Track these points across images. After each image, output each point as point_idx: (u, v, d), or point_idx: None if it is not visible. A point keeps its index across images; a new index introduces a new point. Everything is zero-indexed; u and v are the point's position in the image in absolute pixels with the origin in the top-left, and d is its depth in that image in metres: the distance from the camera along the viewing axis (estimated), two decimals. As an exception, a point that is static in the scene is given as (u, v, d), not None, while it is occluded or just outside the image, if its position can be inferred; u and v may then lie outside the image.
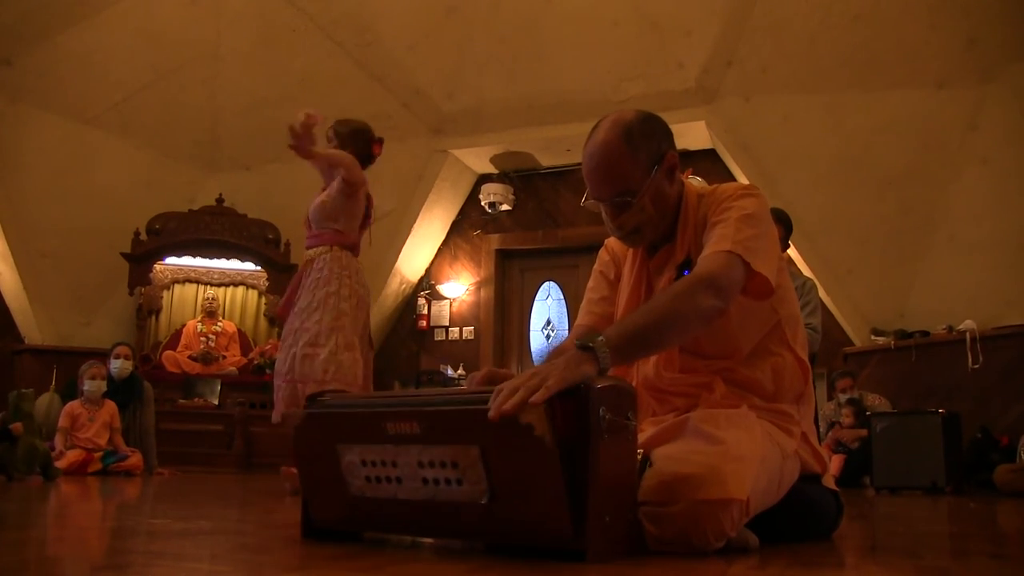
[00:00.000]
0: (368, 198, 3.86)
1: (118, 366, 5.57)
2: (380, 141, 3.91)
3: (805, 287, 3.97)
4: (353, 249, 3.76)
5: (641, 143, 1.66)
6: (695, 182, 1.97)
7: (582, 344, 1.39)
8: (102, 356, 5.72)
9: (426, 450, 1.36)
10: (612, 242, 1.91)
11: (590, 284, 1.94)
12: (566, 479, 1.24)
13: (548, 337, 7.82)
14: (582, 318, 1.90)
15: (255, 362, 7.24)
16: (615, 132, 1.65)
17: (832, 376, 6.07)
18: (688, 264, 1.69)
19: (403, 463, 1.40)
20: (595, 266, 1.95)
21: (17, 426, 4.35)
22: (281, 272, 7.53)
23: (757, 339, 1.69)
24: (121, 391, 5.54)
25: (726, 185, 1.76)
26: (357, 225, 3.78)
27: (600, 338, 1.39)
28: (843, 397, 5.69)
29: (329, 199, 3.70)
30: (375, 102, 7.02)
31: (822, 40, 5.92)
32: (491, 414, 1.23)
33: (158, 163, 7.50)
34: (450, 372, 7.60)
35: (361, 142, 3.84)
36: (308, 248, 3.74)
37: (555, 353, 1.74)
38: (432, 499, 1.38)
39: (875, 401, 5.59)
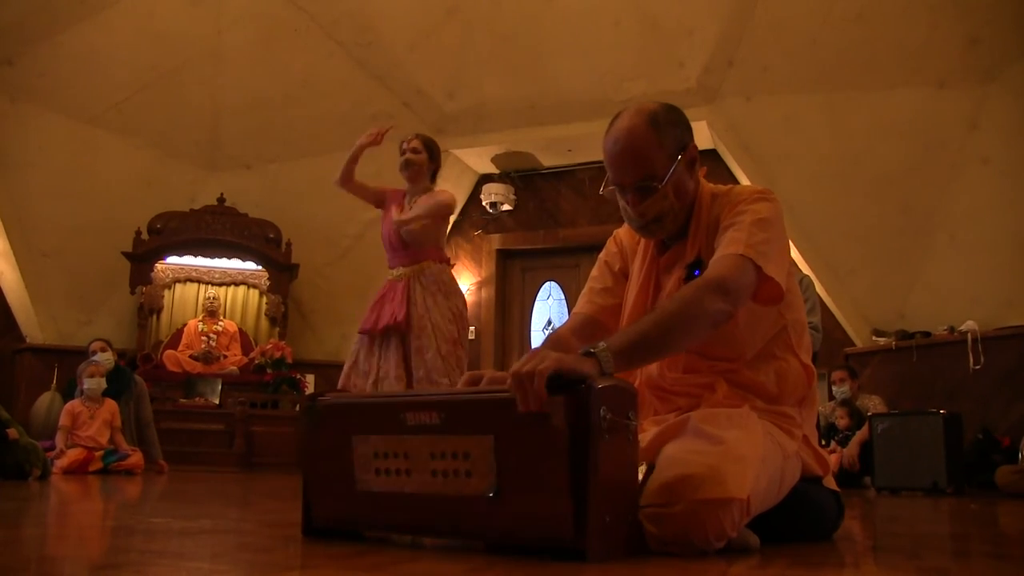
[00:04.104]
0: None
1: (103, 359, 5.56)
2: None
3: (803, 284, 3.95)
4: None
5: (667, 129, 1.66)
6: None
7: (585, 351, 1.39)
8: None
9: (441, 440, 1.39)
10: (622, 234, 1.89)
11: (594, 273, 1.91)
12: (570, 476, 1.25)
13: (549, 337, 7.81)
14: (581, 306, 1.87)
15: (256, 361, 7.24)
16: (641, 118, 1.66)
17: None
18: (699, 264, 1.67)
19: (416, 455, 1.43)
20: (601, 255, 1.92)
21: (12, 431, 4.42)
22: (282, 271, 7.52)
23: (762, 343, 1.69)
24: (109, 383, 5.51)
25: (740, 187, 1.75)
26: None
27: (602, 344, 1.40)
28: (837, 390, 5.64)
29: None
30: (376, 102, 7.02)
31: (823, 40, 5.91)
32: (529, 407, 1.28)
33: (159, 162, 7.49)
34: (451, 372, 7.59)
35: (438, 157, 4.31)
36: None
37: (550, 342, 1.74)
38: (438, 493, 1.40)
39: (871, 402, 5.55)
